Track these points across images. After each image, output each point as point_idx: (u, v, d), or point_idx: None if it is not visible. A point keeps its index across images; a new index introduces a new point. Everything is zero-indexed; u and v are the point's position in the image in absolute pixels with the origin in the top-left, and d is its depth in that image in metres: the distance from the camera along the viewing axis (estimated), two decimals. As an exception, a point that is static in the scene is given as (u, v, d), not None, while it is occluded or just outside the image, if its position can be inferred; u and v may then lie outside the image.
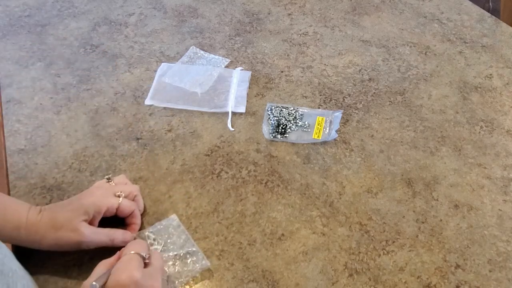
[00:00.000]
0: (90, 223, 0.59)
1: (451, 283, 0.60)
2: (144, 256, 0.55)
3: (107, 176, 0.65)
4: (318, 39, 0.96)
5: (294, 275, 0.60)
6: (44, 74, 0.87)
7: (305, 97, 0.84)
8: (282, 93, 0.84)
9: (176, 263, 0.60)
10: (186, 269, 0.60)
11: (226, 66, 0.90)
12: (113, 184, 0.64)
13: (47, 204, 0.67)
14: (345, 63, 0.91)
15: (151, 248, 0.61)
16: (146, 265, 0.54)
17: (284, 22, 1.00)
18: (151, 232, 0.63)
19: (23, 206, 0.59)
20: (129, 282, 0.51)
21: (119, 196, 0.62)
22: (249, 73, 0.87)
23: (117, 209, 0.61)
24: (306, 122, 0.79)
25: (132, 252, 0.55)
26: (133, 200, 0.64)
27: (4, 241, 0.55)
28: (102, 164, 0.73)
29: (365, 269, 0.61)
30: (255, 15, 1.02)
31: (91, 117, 0.80)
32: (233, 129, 0.78)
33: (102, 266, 0.54)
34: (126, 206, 0.62)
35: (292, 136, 0.77)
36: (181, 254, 0.61)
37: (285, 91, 0.85)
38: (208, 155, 0.75)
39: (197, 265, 0.60)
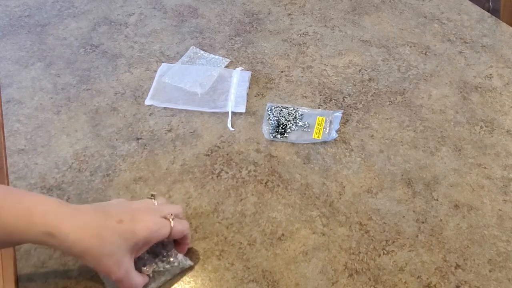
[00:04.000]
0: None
1: (451, 283, 0.60)
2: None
3: (152, 193, 0.60)
4: (318, 39, 0.96)
5: (294, 275, 0.60)
6: (44, 74, 0.87)
7: (305, 97, 0.84)
8: (282, 93, 0.84)
9: (159, 264, 0.58)
10: (168, 266, 0.58)
11: (226, 66, 0.90)
12: (155, 203, 0.59)
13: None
14: (345, 63, 0.91)
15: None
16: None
17: (284, 22, 1.00)
18: None
19: (52, 205, 0.51)
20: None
21: (169, 219, 0.56)
22: (249, 73, 0.87)
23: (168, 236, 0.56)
24: (306, 122, 0.79)
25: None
26: None
27: (17, 244, 0.54)
28: (102, 164, 0.73)
29: (365, 269, 0.61)
30: (255, 15, 1.02)
31: (91, 117, 0.80)
32: (233, 129, 0.78)
33: None
34: (179, 231, 0.57)
35: (292, 136, 0.77)
36: (164, 254, 0.59)
37: (285, 91, 0.85)
38: (208, 155, 0.75)
39: (179, 265, 0.59)
